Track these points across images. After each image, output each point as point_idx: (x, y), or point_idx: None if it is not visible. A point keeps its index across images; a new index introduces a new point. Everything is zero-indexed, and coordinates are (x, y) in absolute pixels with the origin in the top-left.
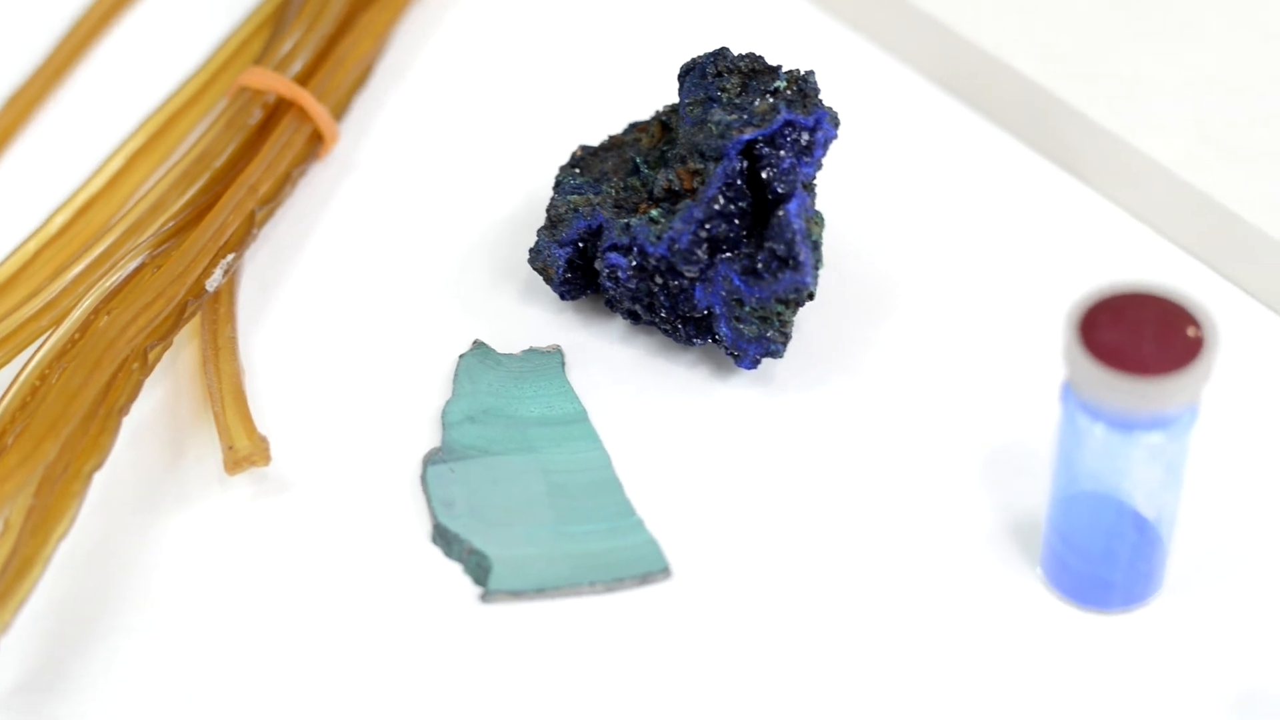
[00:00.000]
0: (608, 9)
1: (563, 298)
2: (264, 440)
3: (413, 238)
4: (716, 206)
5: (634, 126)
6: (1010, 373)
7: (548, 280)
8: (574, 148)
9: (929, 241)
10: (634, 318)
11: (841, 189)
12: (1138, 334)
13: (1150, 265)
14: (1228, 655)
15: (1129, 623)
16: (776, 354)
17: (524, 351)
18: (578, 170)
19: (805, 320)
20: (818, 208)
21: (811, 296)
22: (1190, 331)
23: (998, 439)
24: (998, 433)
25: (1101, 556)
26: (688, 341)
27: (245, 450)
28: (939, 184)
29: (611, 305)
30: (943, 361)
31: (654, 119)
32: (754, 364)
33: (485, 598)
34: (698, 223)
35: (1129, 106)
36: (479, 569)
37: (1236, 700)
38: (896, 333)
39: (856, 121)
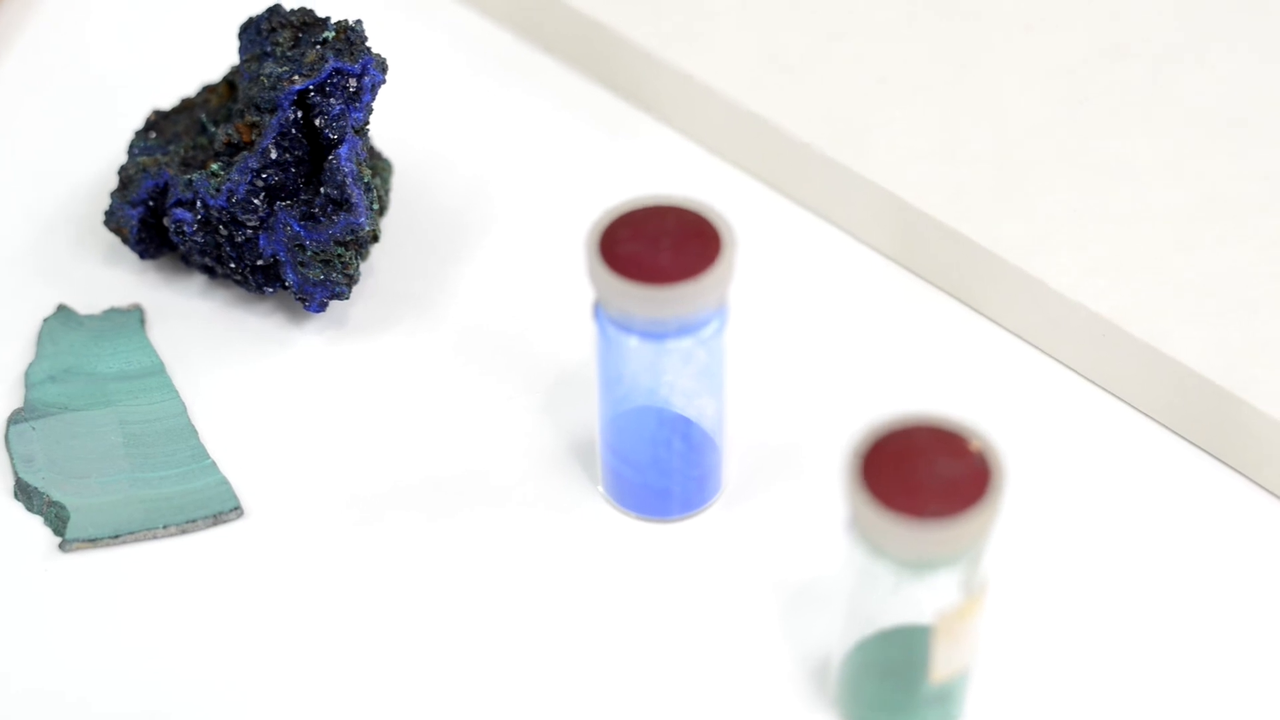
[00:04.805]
0: None
1: (142, 257)
2: None
3: None
4: (272, 156)
5: (205, 88)
6: (573, 300)
7: (125, 241)
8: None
9: (494, 177)
10: (209, 271)
11: (410, 134)
12: (655, 245)
13: (711, 187)
14: (784, 550)
15: (690, 527)
16: (342, 295)
17: (105, 311)
18: (152, 134)
19: (377, 263)
20: (386, 155)
21: (376, 238)
22: (708, 238)
23: (559, 366)
24: (559, 359)
25: (652, 465)
26: (259, 290)
27: None
28: (503, 120)
29: (187, 261)
30: (509, 293)
31: (223, 79)
32: (321, 307)
33: (64, 547)
34: (254, 172)
35: (686, 37)
36: (58, 520)
37: (793, 592)
38: (467, 270)
39: (418, 67)
